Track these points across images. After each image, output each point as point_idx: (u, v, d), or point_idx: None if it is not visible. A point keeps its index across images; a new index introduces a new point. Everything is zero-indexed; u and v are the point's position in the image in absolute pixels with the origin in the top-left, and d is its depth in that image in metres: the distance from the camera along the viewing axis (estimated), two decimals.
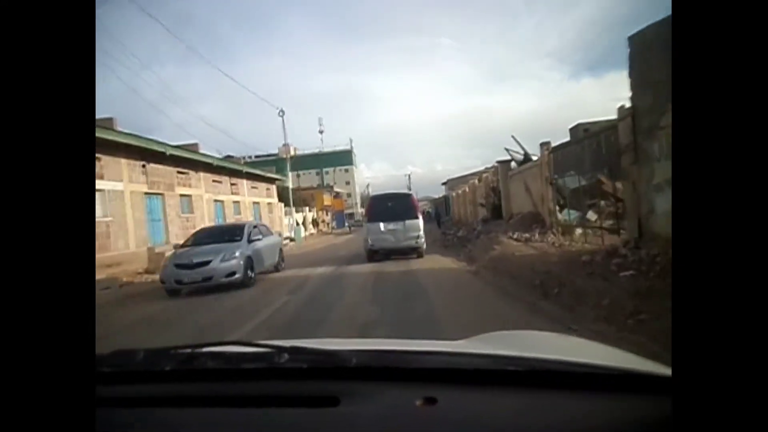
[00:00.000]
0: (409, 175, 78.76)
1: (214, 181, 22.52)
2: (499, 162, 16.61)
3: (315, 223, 44.54)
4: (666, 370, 0.83)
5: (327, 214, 49.20)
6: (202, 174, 21.28)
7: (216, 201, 22.76)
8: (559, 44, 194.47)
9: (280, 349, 0.93)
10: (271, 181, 31.39)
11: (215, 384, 0.94)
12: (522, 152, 16.68)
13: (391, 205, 11.90)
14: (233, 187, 25.01)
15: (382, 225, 11.65)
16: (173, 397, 0.92)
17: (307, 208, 42.46)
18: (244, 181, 26.67)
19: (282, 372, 0.92)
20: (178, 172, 19.03)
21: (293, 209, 36.01)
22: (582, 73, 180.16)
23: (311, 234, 40.93)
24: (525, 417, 0.78)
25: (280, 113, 32.13)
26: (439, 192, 72.73)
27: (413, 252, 11.96)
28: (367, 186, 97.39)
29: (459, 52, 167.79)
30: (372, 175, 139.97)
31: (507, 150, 16.43)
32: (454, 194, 36.50)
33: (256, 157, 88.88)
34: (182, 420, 0.85)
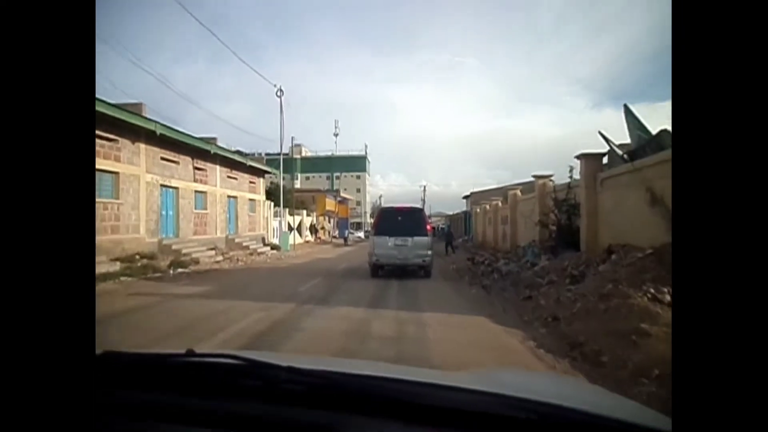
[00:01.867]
0: (424, 187, 72.32)
1: (163, 159, 16.35)
2: (582, 156, 10.08)
3: (313, 229, 38.16)
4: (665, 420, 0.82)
5: (329, 221, 42.85)
6: (143, 146, 15.08)
7: (165, 186, 16.56)
8: (585, 72, 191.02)
9: (276, 368, 0.90)
10: (257, 172, 25.13)
11: (203, 400, 0.88)
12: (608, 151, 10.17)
13: (400, 219, 11.07)
14: (198, 172, 18.81)
15: (389, 239, 10.85)
16: (155, 409, 0.85)
17: (305, 212, 36.17)
18: (217, 168, 20.49)
19: (276, 393, 0.88)
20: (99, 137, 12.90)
21: (285, 211, 29.72)
22: (605, 103, 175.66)
23: (306, 242, 34.62)
24: None
25: (278, 93, 26.09)
26: (454, 209, 66.73)
27: (420, 270, 11.14)
28: (380, 197, 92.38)
29: (483, 71, 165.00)
30: (386, 186, 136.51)
31: (603, 135, 9.88)
32: (477, 210, 29.96)
33: (267, 154, 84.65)
34: None
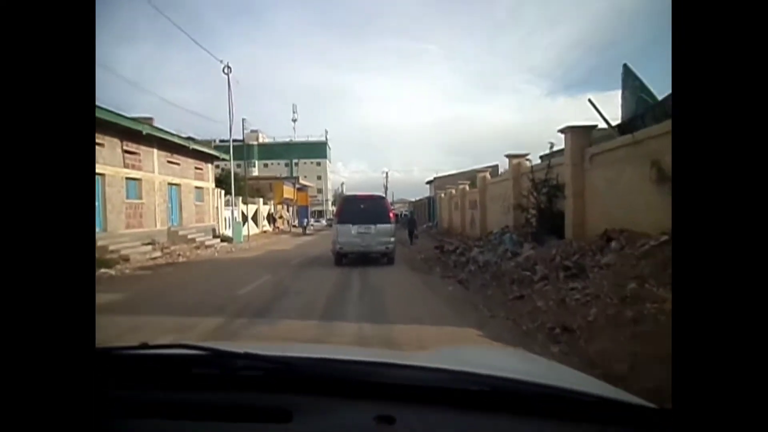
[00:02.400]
0: (387, 173, 70.78)
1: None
2: (569, 129, 8.78)
3: (271, 218, 35.84)
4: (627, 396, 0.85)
5: (288, 210, 40.54)
6: None
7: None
8: (540, 61, 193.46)
9: (233, 355, 0.90)
10: (204, 157, 22.62)
11: (162, 391, 0.87)
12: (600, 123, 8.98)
13: (363, 207, 10.99)
14: (129, 157, 16.31)
15: (352, 227, 10.76)
16: (112, 403, 0.82)
17: (261, 201, 33.79)
18: (154, 151, 17.99)
19: (234, 380, 0.87)
20: None
21: (238, 199, 27.35)
22: (559, 91, 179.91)
23: (264, 232, 32.37)
24: None
25: (225, 70, 23.50)
26: (417, 195, 65.93)
27: (383, 257, 11.06)
28: (342, 185, 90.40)
29: (445, 59, 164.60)
30: (348, 174, 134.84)
31: (593, 104, 8.60)
32: (442, 195, 28.79)
33: (221, 141, 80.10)
34: (121, 428, 0.78)
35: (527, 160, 12.97)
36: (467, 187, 20.90)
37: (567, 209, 8.95)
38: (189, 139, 20.33)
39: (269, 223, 35.17)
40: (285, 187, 39.56)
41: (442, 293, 7.25)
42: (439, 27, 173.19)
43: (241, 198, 28.42)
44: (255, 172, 64.07)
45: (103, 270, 11.40)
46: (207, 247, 18.82)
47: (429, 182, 46.03)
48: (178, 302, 6.67)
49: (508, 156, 13.26)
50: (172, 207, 19.80)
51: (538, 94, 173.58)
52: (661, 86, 8.80)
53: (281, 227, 36.63)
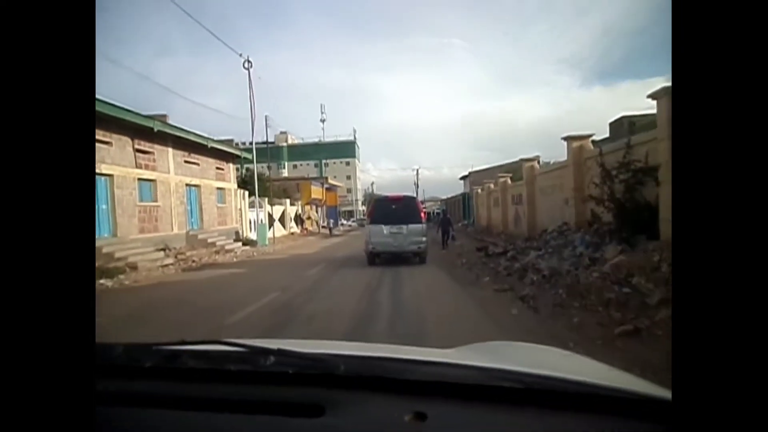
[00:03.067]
0: (417, 170, 68.45)
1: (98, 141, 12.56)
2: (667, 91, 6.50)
3: (299, 220, 34.55)
4: (664, 392, 0.80)
5: (316, 210, 39.18)
6: None
7: (99, 175, 12.91)
8: (571, 50, 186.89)
9: (266, 351, 0.90)
10: (225, 156, 21.36)
11: (196, 385, 0.90)
12: None
13: (394, 208, 11.00)
14: (141, 156, 15.08)
15: (384, 228, 10.76)
16: (150, 397, 0.86)
17: (288, 201, 32.52)
18: (169, 150, 16.75)
19: (267, 376, 0.88)
20: None
21: (264, 201, 26.10)
22: (593, 80, 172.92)
23: (291, 234, 31.07)
24: None
25: (246, 65, 22.17)
26: (448, 193, 63.47)
27: (415, 257, 10.96)
28: (372, 184, 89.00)
29: (470, 54, 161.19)
30: (378, 173, 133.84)
31: None
32: (479, 190, 26.50)
33: (250, 143, 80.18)
34: (157, 421, 0.80)
35: (591, 141, 10.70)
36: (509, 180, 18.66)
37: (664, 199, 6.72)
38: (208, 139, 19.04)
39: (297, 224, 33.88)
40: (313, 187, 38.22)
41: (503, 319, 5.23)
42: (462, 21, 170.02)
43: (266, 199, 27.20)
44: (285, 174, 63.43)
45: (102, 281, 10.04)
46: (227, 251, 17.45)
47: (463, 178, 43.46)
48: (150, 334, 5.00)
49: (566, 138, 10.99)
50: (191, 209, 18.58)
51: (571, 85, 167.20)
52: None
53: (310, 228, 35.27)
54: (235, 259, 15.44)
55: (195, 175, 18.61)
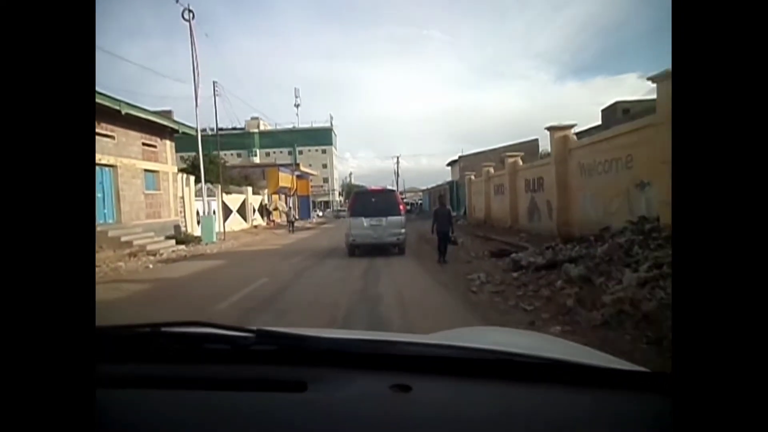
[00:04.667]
0: (398, 158, 63.54)
1: None
2: None
3: (265, 211, 29.76)
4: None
5: (286, 200, 34.36)
6: None
7: None
8: (547, 45, 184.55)
9: (248, 332, 0.87)
10: (157, 131, 16.44)
11: (177, 366, 0.88)
12: None
13: (374, 201, 11.11)
14: None
15: (364, 221, 10.77)
16: (131, 378, 0.84)
17: (250, 190, 27.74)
18: None
19: (248, 355, 0.87)
20: None
21: (217, 188, 21.30)
22: (567, 76, 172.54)
23: (255, 227, 26.38)
24: (500, 408, 0.74)
25: (186, 15, 17.20)
26: (427, 184, 59.31)
27: (394, 248, 10.83)
28: (350, 174, 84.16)
29: (449, 45, 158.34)
30: (357, 164, 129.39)
31: None
32: (472, 177, 22.41)
33: (220, 129, 73.89)
34: (142, 401, 0.78)
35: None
36: (519, 161, 14.52)
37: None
38: (122, 103, 14.02)
39: (263, 216, 29.13)
40: (281, 174, 33.34)
41: None
42: (441, 12, 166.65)
43: (220, 187, 22.40)
44: (257, 162, 57.97)
45: None
46: (149, 253, 12.82)
47: (451, 163, 38.97)
48: None
49: (651, 78, 6.78)
50: (104, 198, 13.82)
51: (546, 80, 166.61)
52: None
53: (278, 220, 30.48)
54: (150, 266, 10.84)
55: (109, 151, 13.78)
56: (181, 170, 20.21)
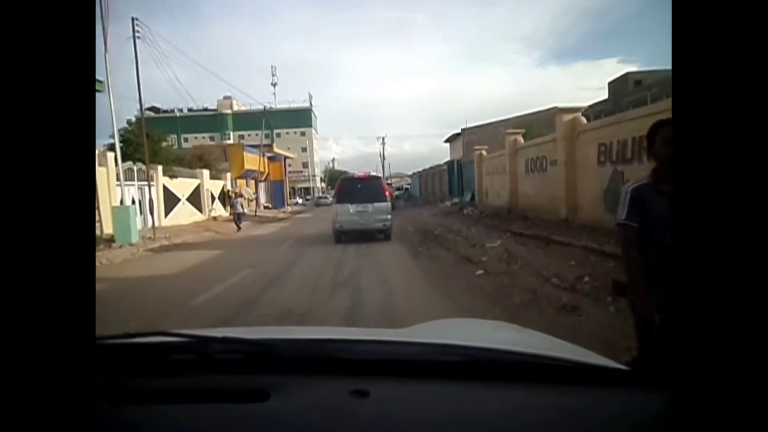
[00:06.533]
0: (383, 139, 57.52)
1: None
2: None
3: (226, 198, 24.22)
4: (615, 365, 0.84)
5: (255, 186, 28.96)
6: None
7: None
8: (530, 30, 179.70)
9: (211, 340, 0.87)
10: None
11: (138, 379, 0.84)
12: None
13: (360, 188, 11.06)
14: None
15: (351, 207, 10.79)
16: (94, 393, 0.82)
17: (206, 173, 22.36)
18: None
19: (212, 364, 0.85)
20: None
21: (157, 169, 15.88)
22: (550, 60, 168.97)
23: (214, 219, 21.17)
24: (458, 409, 0.72)
25: None
26: (410, 169, 54.09)
27: (380, 233, 10.85)
28: (333, 160, 78.33)
29: (433, 29, 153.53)
30: (341, 150, 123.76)
31: None
32: (483, 152, 17.62)
33: (189, 110, 67.00)
34: (100, 415, 0.75)
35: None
36: (582, 119, 9.64)
37: None
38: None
39: (224, 205, 23.75)
40: (247, 155, 27.78)
41: None
42: None
43: (160, 168, 17.06)
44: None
45: None
46: None
47: (451, 138, 32.48)
48: None
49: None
50: None
51: (530, 65, 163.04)
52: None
53: (246, 210, 25.14)
54: None
55: None
56: (110, 148, 14.89)
